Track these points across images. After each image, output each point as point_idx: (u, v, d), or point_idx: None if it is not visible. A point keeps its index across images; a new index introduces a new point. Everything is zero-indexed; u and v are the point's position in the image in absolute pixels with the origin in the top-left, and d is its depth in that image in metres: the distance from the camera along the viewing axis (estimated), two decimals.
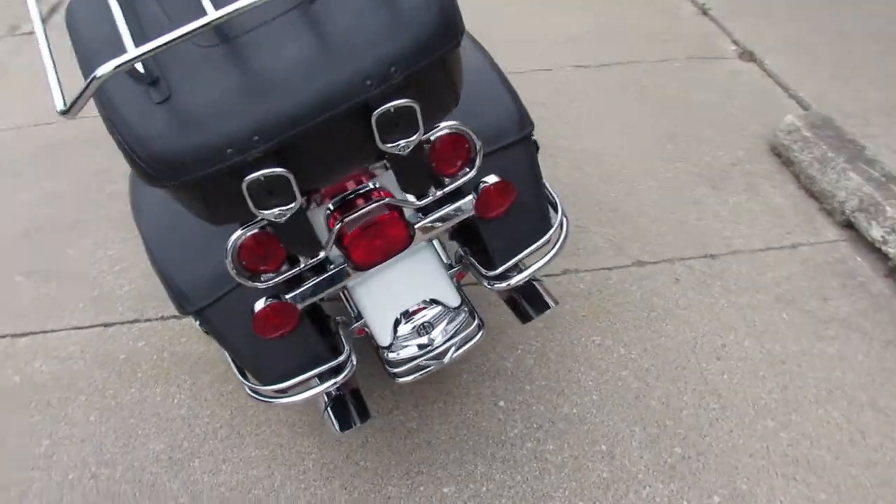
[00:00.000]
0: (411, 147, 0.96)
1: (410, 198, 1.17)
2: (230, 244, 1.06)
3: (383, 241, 1.18)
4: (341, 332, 1.37)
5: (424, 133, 1.03)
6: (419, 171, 1.07)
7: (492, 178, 1.24)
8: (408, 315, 1.27)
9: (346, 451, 1.71)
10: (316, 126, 0.88)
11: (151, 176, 0.87)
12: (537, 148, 1.36)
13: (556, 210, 1.39)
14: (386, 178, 1.19)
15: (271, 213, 0.93)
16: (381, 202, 1.15)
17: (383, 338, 1.28)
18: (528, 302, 1.42)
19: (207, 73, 0.89)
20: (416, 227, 1.22)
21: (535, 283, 1.44)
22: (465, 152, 1.14)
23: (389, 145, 0.94)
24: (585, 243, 2.22)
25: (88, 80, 0.76)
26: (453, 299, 1.29)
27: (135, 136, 0.87)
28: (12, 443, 1.80)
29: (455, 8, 0.89)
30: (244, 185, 0.88)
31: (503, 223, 1.29)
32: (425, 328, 1.25)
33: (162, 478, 1.68)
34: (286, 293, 1.22)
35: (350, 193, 1.18)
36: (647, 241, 2.23)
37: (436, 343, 1.25)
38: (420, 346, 1.26)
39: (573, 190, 2.44)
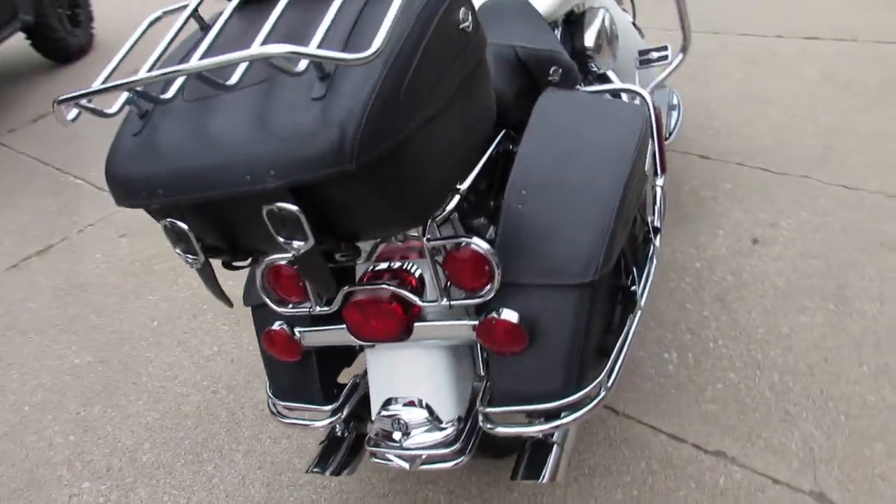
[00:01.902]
0: (302, 251, 0.95)
1: (432, 296, 1.17)
2: (262, 265, 1.17)
3: (378, 323, 1.18)
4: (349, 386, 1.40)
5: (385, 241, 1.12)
6: (321, 274, 1.03)
7: (506, 314, 1.11)
8: (395, 402, 1.26)
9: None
10: (210, 199, 0.92)
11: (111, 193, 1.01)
12: (633, 305, 1.25)
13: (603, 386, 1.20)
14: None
15: (184, 257, 1.03)
16: (384, 287, 1.15)
17: (372, 408, 1.29)
18: (526, 456, 1.27)
19: (169, 122, 0.96)
20: (415, 325, 1.20)
21: (553, 443, 1.27)
22: (483, 273, 1.11)
23: (283, 242, 0.94)
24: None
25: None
26: (448, 413, 1.25)
27: (109, 153, 1.01)
28: None
29: (356, 138, 0.83)
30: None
31: (515, 361, 1.16)
32: (401, 425, 1.25)
33: None
34: (301, 326, 1.26)
35: (387, 264, 1.21)
36: None
37: (404, 445, 1.24)
38: (391, 438, 1.26)
39: None
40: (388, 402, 1.27)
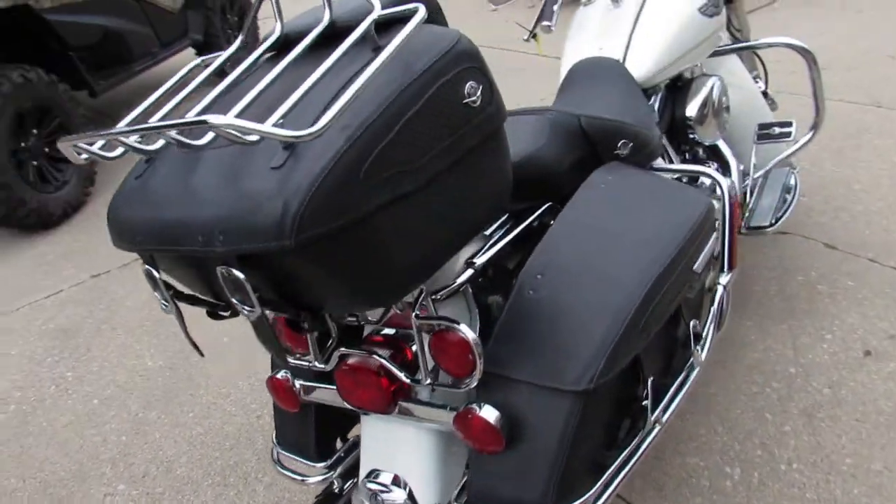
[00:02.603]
0: (252, 318, 0.94)
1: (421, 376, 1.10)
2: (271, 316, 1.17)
3: (363, 392, 1.14)
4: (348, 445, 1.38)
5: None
6: (269, 341, 1.01)
7: (485, 411, 1.03)
8: (379, 475, 1.21)
9: None
10: (174, 253, 0.92)
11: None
12: (644, 422, 1.14)
13: None
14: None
15: (160, 301, 1.04)
16: (373, 356, 1.11)
17: (360, 474, 1.25)
18: None
19: (162, 170, 0.97)
20: (399, 403, 1.14)
21: None
22: (468, 361, 1.03)
23: (237, 304, 0.92)
24: None
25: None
26: (428, 499, 1.17)
27: (115, 193, 1.03)
28: None
29: (297, 214, 0.79)
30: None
31: (493, 460, 1.08)
32: (378, 502, 1.19)
33: None
34: (303, 379, 1.26)
35: (393, 331, 1.18)
36: None
37: None
38: None
39: None
40: (372, 473, 1.22)
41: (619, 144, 1.45)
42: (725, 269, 1.46)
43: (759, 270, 2.34)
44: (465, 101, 0.94)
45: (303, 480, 1.35)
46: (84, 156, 0.96)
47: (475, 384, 1.05)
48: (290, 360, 1.28)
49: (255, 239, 0.81)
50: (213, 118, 0.76)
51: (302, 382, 1.28)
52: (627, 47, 1.81)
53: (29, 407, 2.25)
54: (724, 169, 2.10)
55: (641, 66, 1.78)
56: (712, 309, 1.39)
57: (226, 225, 0.83)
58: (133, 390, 2.23)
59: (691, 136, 1.90)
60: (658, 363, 1.21)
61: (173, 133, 0.83)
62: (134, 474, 1.90)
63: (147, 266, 0.99)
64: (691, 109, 1.88)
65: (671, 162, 1.96)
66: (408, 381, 1.11)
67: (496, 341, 1.10)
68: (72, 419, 2.16)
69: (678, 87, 1.94)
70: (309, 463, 1.34)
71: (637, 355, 1.10)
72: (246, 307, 0.90)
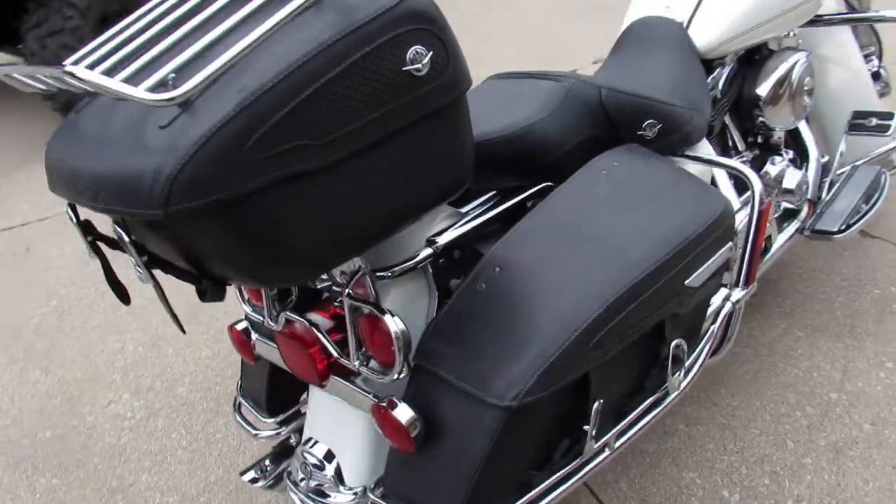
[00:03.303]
0: (146, 281, 0.89)
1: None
2: None
3: (297, 361, 1.10)
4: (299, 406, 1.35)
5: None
6: (164, 303, 0.95)
7: (399, 410, 0.97)
8: (314, 444, 1.17)
9: None
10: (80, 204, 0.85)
11: None
12: (580, 449, 1.04)
13: None
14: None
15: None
16: (310, 327, 1.06)
17: (303, 437, 1.22)
18: None
19: (91, 111, 0.90)
20: (331, 377, 1.09)
21: None
22: (389, 352, 0.97)
23: (134, 266, 0.88)
24: None
25: None
26: (354, 478, 1.12)
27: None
28: None
29: (167, 185, 0.71)
30: None
31: (408, 458, 1.01)
32: (307, 471, 1.15)
33: None
34: (260, 332, 1.25)
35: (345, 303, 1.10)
36: None
37: (304, 491, 1.15)
38: (293, 477, 1.19)
39: None
40: (309, 441, 1.19)
41: (644, 125, 1.29)
42: (741, 283, 1.28)
43: (828, 276, 2.10)
44: (405, 68, 0.83)
45: (255, 434, 1.34)
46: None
47: (397, 377, 0.98)
48: (246, 309, 1.26)
49: (129, 203, 0.74)
50: (75, 69, 0.70)
51: (256, 337, 1.25)
52: (696, 9, 1.59)
53: (68, 305, 2.38)
54: (802, 159, 1.86)
55: (707, 33, 1.56)
56: (712, 328, 1.23)
57: (106, 183, 0.77)
58: (159, 304, 2.29)
59: (759, 118, 1.67)
60: (617, 384, 1.08)
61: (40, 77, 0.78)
62: (140, 386, 1.98)
63: (114, 225, 0.89)
64: (763, 88, 1.65)
65: (731, 145, 1.75)
66: (338, 357, 1.06)
67: (434, 333, 1.01)
68: (100, 322, 2.26)
69: (755, 61, 1.71)
70: (259, 415, 1.33)
71: (588, 372, 0.98)
72: (139, 270, 0.86)
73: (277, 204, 0.78)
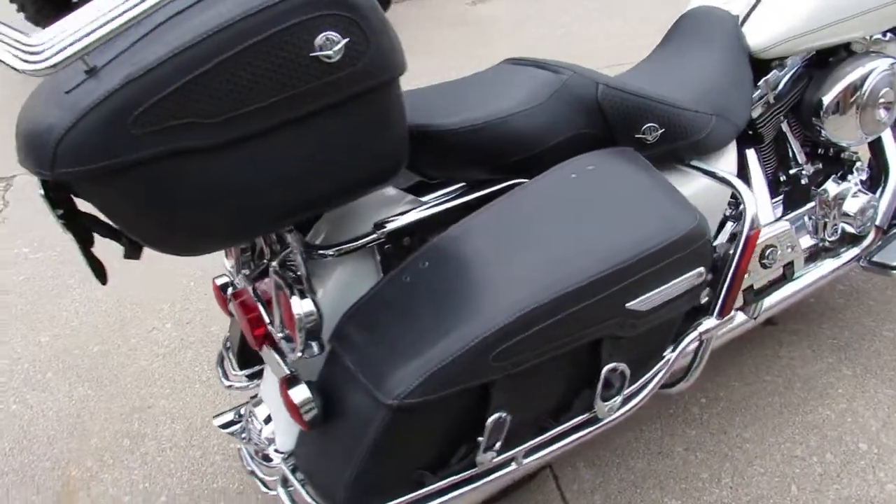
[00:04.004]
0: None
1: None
2: None
3: (244, 323, 1.15)
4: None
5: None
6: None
7: (295, 391, 0.99)
8: (260, 404, 1.22)
9: None
10: None
11: None
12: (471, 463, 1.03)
13: None
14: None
15: None
16: (250, 294, 1.11)
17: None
18: None
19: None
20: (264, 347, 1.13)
21: None
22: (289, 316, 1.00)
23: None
24: None
25: None
26: (284, 443, 1.14)
27: None
28: None
29: (54, 148, 0.75)
30: None
31: (310, 434, 1.05)
32: (249, 429, 1.21)
33: None
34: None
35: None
36: None
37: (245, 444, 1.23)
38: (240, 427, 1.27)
39: None
40: (255, 399, 1.24)
41: (643, 128, 1.20)
42: (715, 312, 1.17)
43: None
44: (314, 53, 0.82)
45: (228, 385, 1.41)
46: None
47: (298, 357, 1.00)
48: (226, 265, 1.33)
49: (30, 163, 0.80)
50: None
51: (231, 291, 1.31)
52: (756, 4, 1.44)
53: None
54: (880, 179, 1.66)
55: (764, 30, 1.41)
56: (670, 356, 1.14)
57: (25, 141, 0.83)
58: None
59: (819, 129, 1.50)
60: (535, 398, 1.03)
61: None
62: (181, 319, 2.14)
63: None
64: (827, 94, 1.47)
65: (790, 156, 1.58)
66: (268, 325, 1.10)
67: (350, 318, 1.02)
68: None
69: (828, 63, 1.53)
70: (232, 366, 1.40)
71: (488, 383, 0.95)
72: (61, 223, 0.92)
73: (170, 176, 0.81)
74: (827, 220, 1.58)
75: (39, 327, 2.17)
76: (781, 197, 1.60)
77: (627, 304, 1.00)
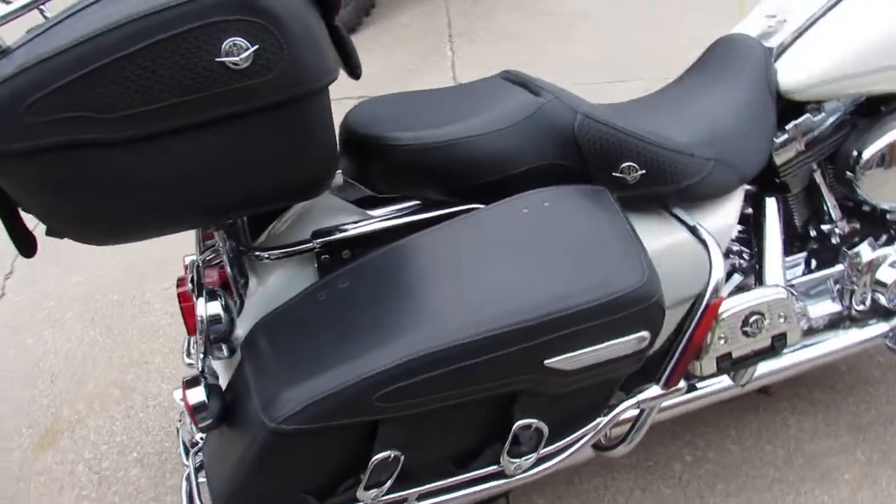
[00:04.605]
0: None
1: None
2: None
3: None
4: None
5: None
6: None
7: (192, 392, 0.97)
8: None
9: None
10: None
11: None
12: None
13: None
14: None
15: None
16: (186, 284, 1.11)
17: None
18: None
19: None
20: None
21: None
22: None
23: None
24: None
25: None
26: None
27: None
28: None
29: None
30: None
31: (213, 438, 1.05)
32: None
33: None
34: None
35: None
36: None
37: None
38: None
39: None
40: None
41: (621, 166, 1.10)
42: (660, 382, 1.06)
43: None
44: (220, 59, 0.79)
45: (189, 364, 1.41)
46: None
47: (199, 357, 1.00)
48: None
49: None
50: None
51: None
52: (795, 38, 1.29)
53: None
54: None
55: (799, 69, 1.27)
56: (600, 421, 1.04)
57: None
58: None
59: (854, 186, 1.34)
60: (436, 443, 0.97)
61: None
62: None
63: None
64: (870, 148, 1.31)
65: (824, 209, 1.42)
66: (198, 314, 1.09)
67: (261, 327, 1.00)
68: None
69: (878, 112, 1.35)
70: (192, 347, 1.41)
71: (378, 421, 0.91)
72: None
73: (67, 167, 0.81)
74: (856, 286, 1.41)
75: (73, 268, 2.28)
76: (805, 254, 1.44)
77: (546, 362, 0.92)
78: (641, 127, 1.11)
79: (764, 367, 1.33)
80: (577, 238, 0.99)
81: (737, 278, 1.38)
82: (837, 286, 1.43)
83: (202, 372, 1.03)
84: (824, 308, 1.43)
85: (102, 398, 1.83)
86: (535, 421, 0.97)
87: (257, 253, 1.07)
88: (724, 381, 1.30)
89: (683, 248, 1.12)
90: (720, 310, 1.14)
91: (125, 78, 0.78)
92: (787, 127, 1.29)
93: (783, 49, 1.29)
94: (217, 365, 1.12)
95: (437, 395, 0.90)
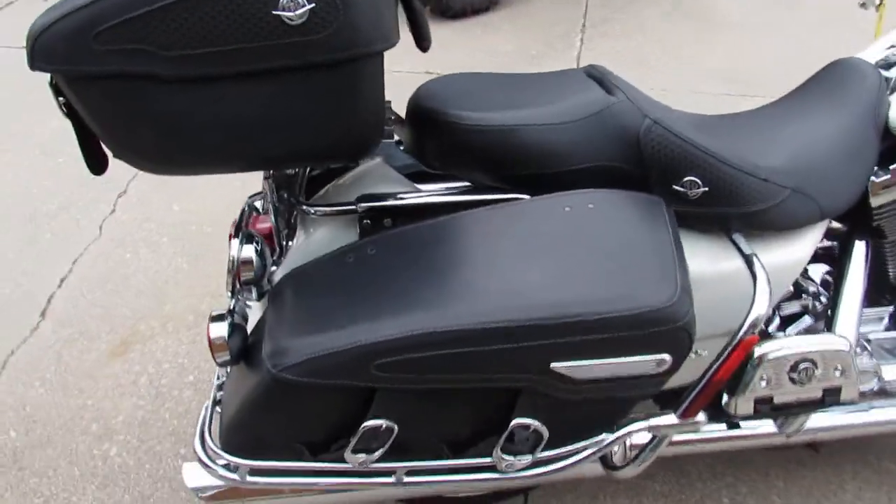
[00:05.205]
0: None
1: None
2: None
3: None
4: None
5: None
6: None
7: (214, 325, 1.02)
8: None
9: None
10: None
11: None
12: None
13: None
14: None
15: None
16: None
17: None
18: None
19: None
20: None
21: None
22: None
23: None
24: None
25: None
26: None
27: None
28: None
29: (32, 47, 0.79)
30: None
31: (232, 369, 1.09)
32: None
33: None
34: None
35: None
36: None
37: None
38: None
39: None
40: None
41: (683, 180, 1.04)
42: (677, 411, 1.00)
43: None
44: (276, 12, 0.82)
45: None
46: None
47: (234, 298, 1.05)
48: None
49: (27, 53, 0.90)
50: None
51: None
52: None
53: None
54: None
55: None
56: (605, 439, 0.99)
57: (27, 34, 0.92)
58: None
59: None
60: (429, 422, 0.96)
61: None
62: None
63: None
64: None
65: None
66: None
67: (294, 277, 1.04)
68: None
69: None
70: None
71: (373, 389, 0.92)
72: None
73: (126, 96, 0.87)
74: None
75: (177, 197, 2.45)
76: (893, 309, 1.32)
77: (553, 365, 0.90)
78: (715, 143, 1.05)
79: (817, 421, 1.23)
80: (613, 245, 0.95)
81: (807, 321, 1.28)
82: None
83: (231, 310, 1.07)
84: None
85: (176, 321, 1.96)
86: (534, 422, 0.95)
87: (304, 207, 1.10)
88: (768, 425, 1.21)
89: (733, 278, 1.05)
90: (766, 349, 1.07)
91: (187, 19, 0.82)
92: (891, 167, 1.18)
93: None
94: (253, 308, 1.17)
95: (437, 375, 0.90)
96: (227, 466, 1.04)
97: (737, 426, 1.23)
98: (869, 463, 1.55)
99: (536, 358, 0.90)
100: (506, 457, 0.98)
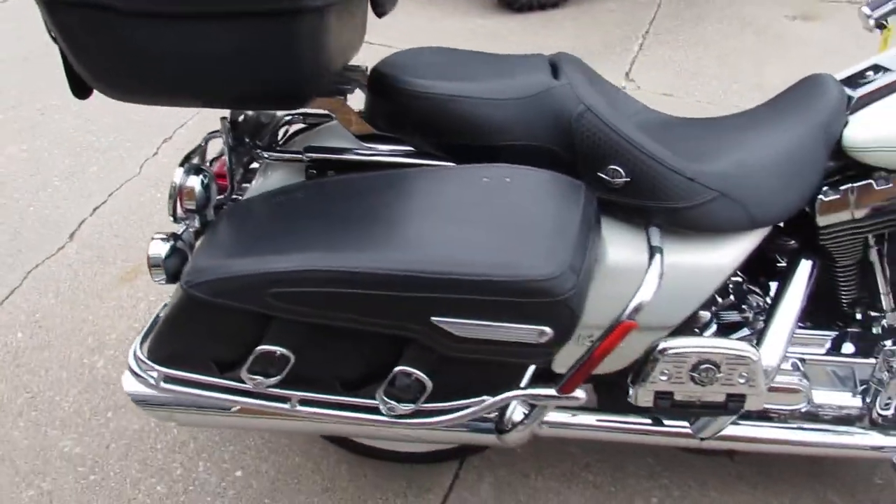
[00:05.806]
0: None
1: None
2: None
3: None
4: None
5: None
6: None
7: (153, 244, 1.11)
8: None
9: None
10: None
11: None
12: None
13: None
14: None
15: None
16: None
17: None
18: None
19: None
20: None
21: None
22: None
23: None
24: None
25: None
26: None
27: None
28: None
29: None
30: None
31: None
32: None
33: None
34: None
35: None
36: None
37: None
38: None
39: None
40: None
41: (606, 168, 1.08)
42: (558, 386, 1.03)
43: None
44: None
45: None
46: None
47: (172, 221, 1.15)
48: None
49: None
50: None
51: None
52: (886, 94, 1.15)
53: None
54: None
55: (871, 127, 1.14)
56: (486, 400, 1.04)
57: None
58: None
59: None
60: (322, 355, 1.03)
61: None
62: None
63: None
64: None
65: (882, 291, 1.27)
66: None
67: (231, 209, 1.13)
68: None
69: None
70: None
71: (270, 318, 1.00)
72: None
73: (89, 24, 0.98)
74: (883, 388, 1.25)
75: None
76: (837, 334, 1.30)
77: (433, 319, 0.96)
78: (650, 139, 1.07)
79: (736, 430, 1.24)
80: (518, 219, 0.99)
81: (745, 332, 1.29)
82: (863, 381, 1.28)
83: (175, 234, 1.18)
84: (839, 399, 1.28)
85: None
86: (417, 372, 1.01)
87: (258, 151, 1.19)
88: (680, 425, 1.23)
89: (636, 269, 1.07)
90: (668, 344, 1.09)
91: None
92: (842, 187, 1.17)
93: (866, 102, 1.16)
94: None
95: (327, 311, 0.97)
96: (152, 376, 1.14)
97: (659, 422, 1.26)
98: (814, 491, 1.53)
99: (417, 310, 0.96)
100: (388, 400, 1.05)
